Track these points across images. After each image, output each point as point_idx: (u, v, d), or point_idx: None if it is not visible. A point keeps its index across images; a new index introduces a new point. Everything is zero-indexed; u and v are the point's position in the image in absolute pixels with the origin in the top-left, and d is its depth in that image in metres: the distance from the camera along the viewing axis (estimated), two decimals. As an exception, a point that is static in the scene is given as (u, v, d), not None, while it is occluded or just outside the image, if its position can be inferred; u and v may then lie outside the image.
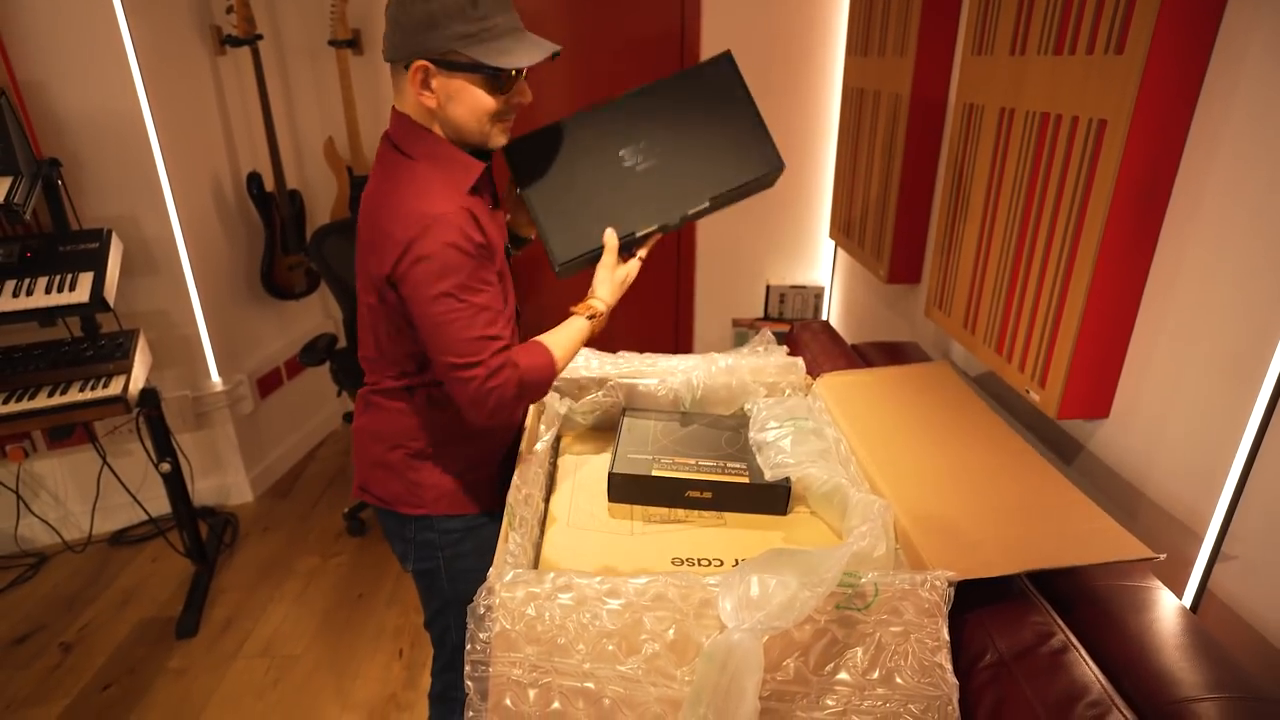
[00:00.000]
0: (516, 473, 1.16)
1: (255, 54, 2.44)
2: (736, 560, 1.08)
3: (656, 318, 2.94)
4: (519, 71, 1.02)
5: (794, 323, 2.75)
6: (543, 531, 1.14)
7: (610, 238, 1.14)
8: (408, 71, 0.99)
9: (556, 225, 1.13)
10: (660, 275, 2.93)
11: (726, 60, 1.14)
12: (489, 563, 1.26)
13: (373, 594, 2.18)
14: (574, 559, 1.07)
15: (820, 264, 2.83)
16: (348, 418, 3.06)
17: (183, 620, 2.03)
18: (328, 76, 2.71)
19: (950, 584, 0.88)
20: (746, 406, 1.38)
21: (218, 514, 2.55)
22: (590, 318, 1.14)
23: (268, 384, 2.75)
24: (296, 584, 2.22)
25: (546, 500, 1.22)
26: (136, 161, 2.18)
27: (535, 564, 1.07)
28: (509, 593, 0.87)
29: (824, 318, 2.82)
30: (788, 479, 1.19)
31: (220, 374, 2.51)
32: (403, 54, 0.99)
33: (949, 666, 0.83)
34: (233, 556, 2.36)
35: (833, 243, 2.77)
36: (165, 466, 2.04)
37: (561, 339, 1.13)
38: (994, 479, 1.13)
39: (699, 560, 1.08)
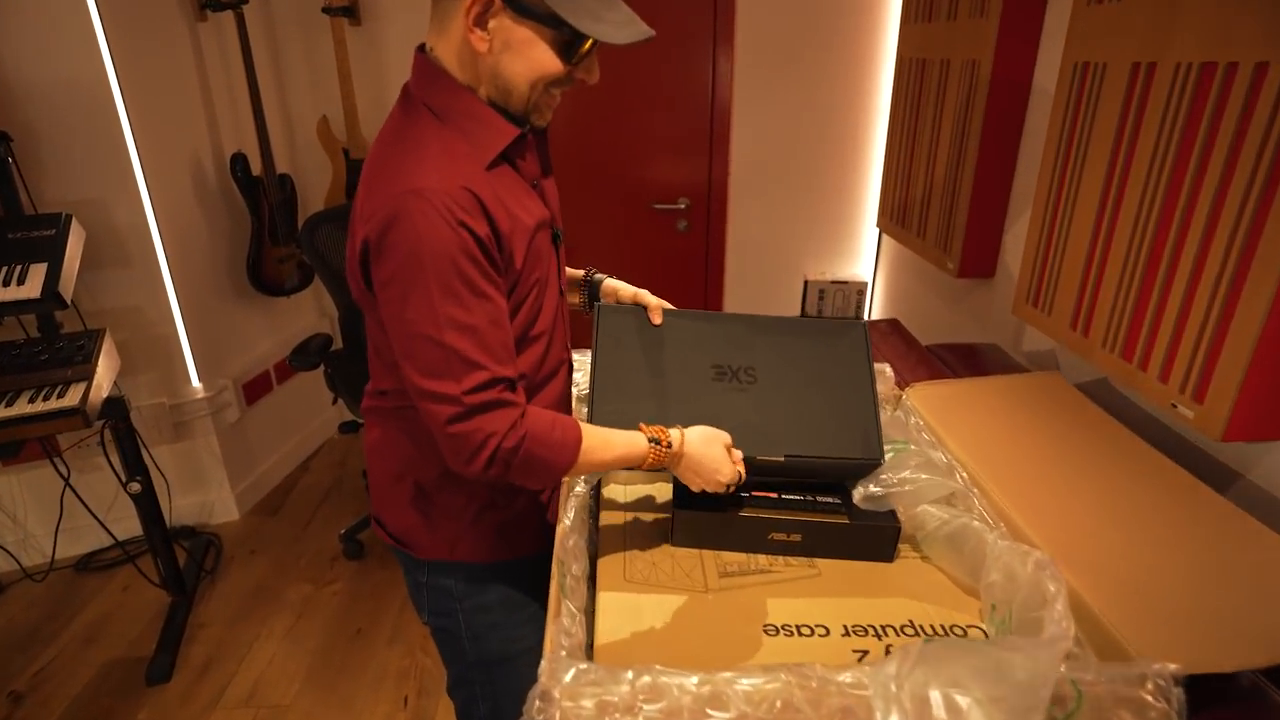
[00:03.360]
0: (562, 511, 0.92)
1: (240, 20, 2.20)
2: (845, 628, 0.86)
3: (681, 316, 2.69)
4: (595, 43, 0.80)
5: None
6: (592, 589, 0.90)
7: None
8: None
9: (610, 394, 0.97)
10: (686, 268, 2.69)
11: (861, 329, 1.06)
12: (520, 618, 1.03)
13: (373, 629, 1.93)
14: (638, 628, 0.83)
15: (863, 257, 2.59)
16: (345, 427, 2.81)
17: (155, 663, 1.78)
18: (322, 48, 2.46)
19: (1178, 682, 0.64)
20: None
21: (199, 535, 2.30)
22: (653, 442, 0.86)
23: (255, 389, 2.50)
24: (286, 617, 1.97)
25: (593, 545, 0.98)
26: (103, 139, 1.93)
27: (589, 636, 0.83)
28: (572, 700, 0.62)
29: (866, 316, 2.59)
30: (895, 517, 0.96)
31: (201, 379, 2.26)
32: None
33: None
34: (214, 584, 2.10)
35: (877, 233, 2.53)
36: (135, 486, 1.79)
37: (606, 439, 0.86)
38: (1169, 523, 0.89)
39: (798, 628, 0.86)
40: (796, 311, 2.63)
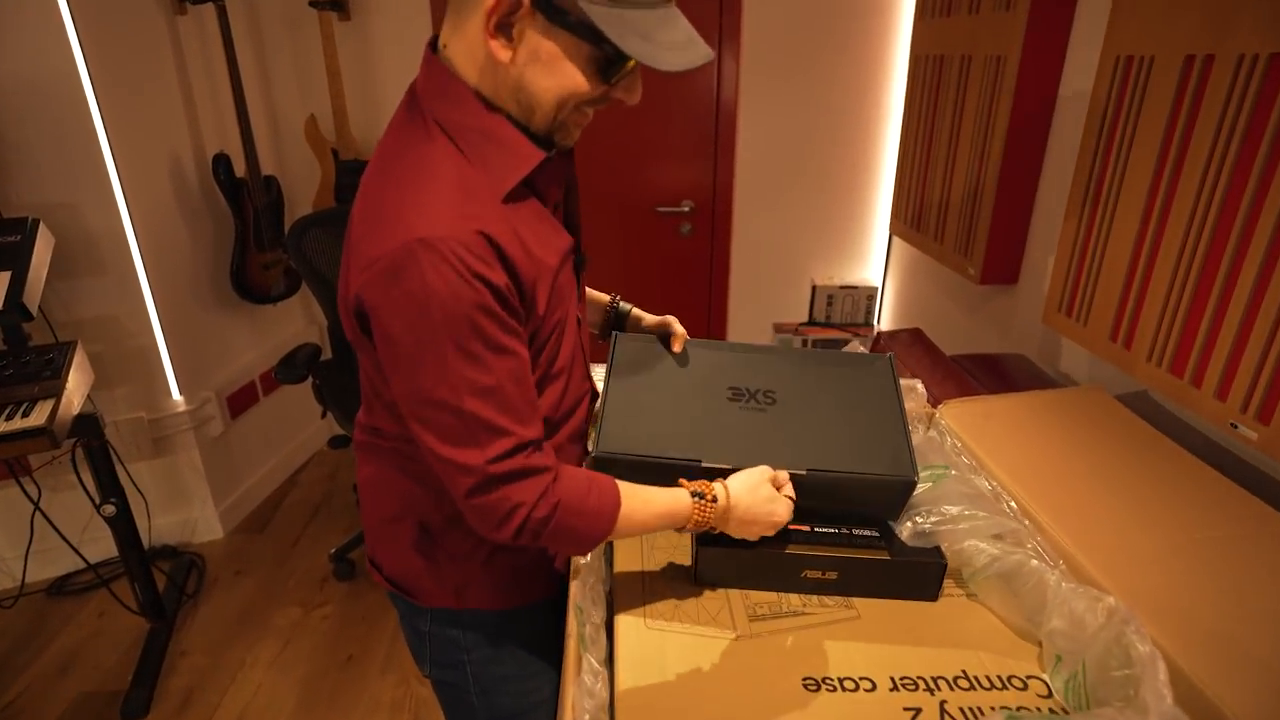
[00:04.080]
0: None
1: (222, 13, 2.08)
2: (893, 680, 0.78)
3: (685, 321, 2.59)
4: (635, 63, 0.68)
5: (848, 328, 2.43)
6: (611, 634, 0.81)
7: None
8: None
9: (618, 415, 0.93)
10: (690, 273, 2.60)
11: (887, 360, 1.04)
12: (534, 669, 0.93)
13: (365, 655, 1.83)
14: (665, 688, 0.74)
15: (873, 261, 2.50)
16: (335, 441, 2.71)
17: (131, 696, 1.66)
18: (309, 44, 2.35)
19: (1299, 764, 0.55)
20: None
21: (181, 554, 2.18)
22: (696, 496, 0.78)
23: (240, 401, 2.39)
24: (273, 644, 1.86)
25: (609, 584, 0.89)
26: (74, 139, 1.82)
27: (610, 691, 0.74)
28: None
29: (876, 322, 2.50)
30: (940, 552, 0.87)
31: (182, 391, 2.15)
32: None
33: None
34: (196, 609, 1.99)
35: (887, 237, 2.45)
36: (109, 509, 1.68)
37: (645, 500, 0.78)
38: (1252, 561, 0.81)
39: (841, 682, 0.78)
40: (804, 317, 2.54)
